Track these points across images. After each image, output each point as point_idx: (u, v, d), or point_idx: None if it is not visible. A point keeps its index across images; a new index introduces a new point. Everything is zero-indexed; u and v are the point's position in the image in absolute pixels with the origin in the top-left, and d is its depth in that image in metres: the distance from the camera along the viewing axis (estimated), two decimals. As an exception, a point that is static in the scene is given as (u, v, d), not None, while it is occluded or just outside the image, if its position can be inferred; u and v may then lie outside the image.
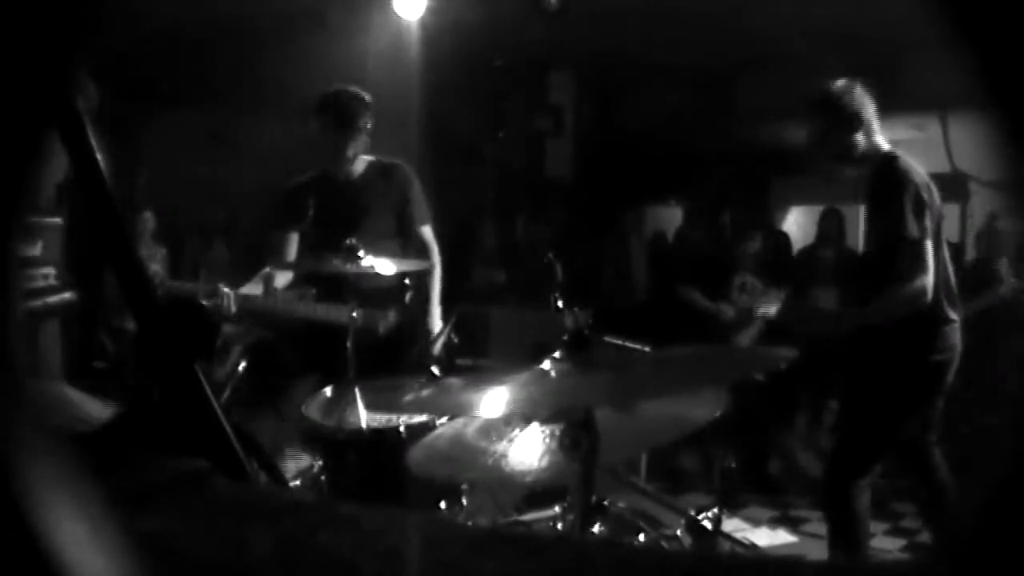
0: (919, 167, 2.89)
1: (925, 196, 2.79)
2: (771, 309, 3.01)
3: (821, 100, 2.98)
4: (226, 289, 3.00)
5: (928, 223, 2.76)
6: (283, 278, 3.28)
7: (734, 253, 5.13)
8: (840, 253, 6.40)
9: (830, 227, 6.60)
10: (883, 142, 2.96)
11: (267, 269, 3.28)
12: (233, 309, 3.00)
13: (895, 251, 2.77)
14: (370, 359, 2.68)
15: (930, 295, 2.74)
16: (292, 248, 3.36)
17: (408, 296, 3.30)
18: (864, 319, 2.93)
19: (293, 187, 3.41)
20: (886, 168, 2.86)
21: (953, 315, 2.86)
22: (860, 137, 2.91)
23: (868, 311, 2.90)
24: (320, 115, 3.27)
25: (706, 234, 6.69)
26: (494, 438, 1.69)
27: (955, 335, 2.86)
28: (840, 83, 2.97)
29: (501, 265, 7.02)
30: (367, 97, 3.30)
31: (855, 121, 2.90)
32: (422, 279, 3.34)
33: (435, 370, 2.73)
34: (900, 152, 2.94)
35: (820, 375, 6.04)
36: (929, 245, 2.75)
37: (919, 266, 2.73)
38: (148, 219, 6.06)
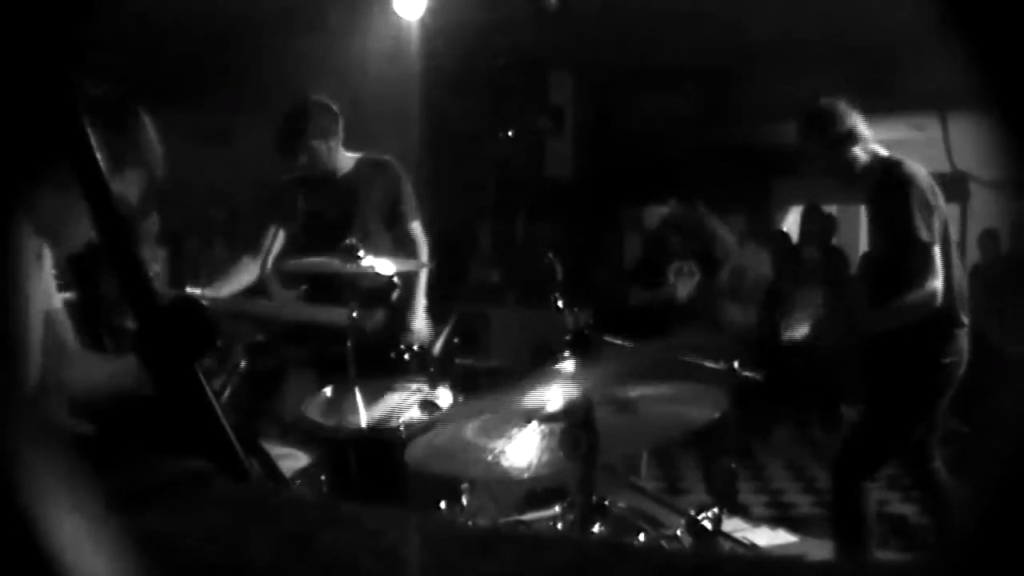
0: (922, 168, 2.87)
1: (931, 199, 2.77)
2: (799, 332, 3.04)
3: (812, 123, 2.94)
4: (196, 292, 3.01)
5: (936, 226, 2.75)
6: (253, 272, 3.28)
7: (669, 246, 5.23)
8: (825, 252, 6.40)
9: (813, 226, 6.61)
10: (880, 148, 2.94)
11: (244, 259, 3.29)
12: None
13: (905, 255, 2.75)
14: (360, 358, 2.68)
15: (940, 299, 2.72)
16: (276, 243, 3.36)
17: (395, 295, 3.30)
18: (876, 325, 2.91)
19: (284, 183, 3.42)
20: (891, 173, 2.83)
21: (963, 319, 2.86)
22: (859, 151, 2.89)
23: (880, 316, 2.88)
24: (273, 140, 3.31)
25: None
26: (493, 436, 1.69)
27: (964, 339, 2.86)
28: (825, 103, 2.93)
29: (497, 265, 7.02)
30: (317, 101, 3.31)
31: (851, 137, 2.87)
32: (408, 276, 3.35)
33: (434, 370, 2.73)
34: (902, 156, 2.92)
35: (820, 379, 6.05)
36: (937, 249, 2.74)
37: (929, 270, 2.72)
38: (154, 222, 6.08)
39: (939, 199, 2.82)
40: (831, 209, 7.69)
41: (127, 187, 1.70)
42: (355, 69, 5.31)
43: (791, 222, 8.36)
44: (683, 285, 5.02)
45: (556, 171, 8.00)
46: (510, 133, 7.46)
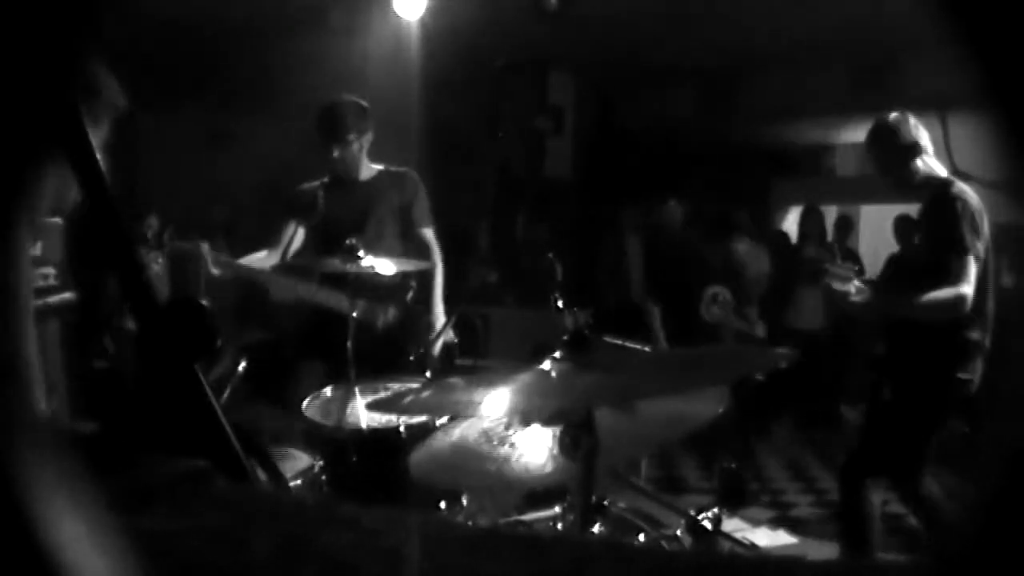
0: (975, 194, 3.01)
1: (978, 220, 2.92)
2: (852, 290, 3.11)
3: (880, 131, 3.13)
4: (204, 246, 3.05)
5: (979, 244, 2.89)
6: (270, 264, 3.30)
7: (709, 260, 5.20)
8: (824, 251, 6.42)
9: (811, 225, 6.64)
10: (941, 169, 3.12)
11: (262, 251, 3.31)
12: (213, 270, 3.03)
13: (946, 262, 2.88)
14: (370, 356, 2.69)
15: (969, 305, 2.84)
16: (296, 240, 3.38)
17: (410, 294, 3.32)
18: (905, 310, 3.04)
19: (303, 189, 3.45)
20: (946, 192, 2.99)
21: (986, 342, 2.97)
22: (919, 164, 3.07)
23: (906, 303, 3.00)
24: (317, 129, 3.34)
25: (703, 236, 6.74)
26: (496, 443, 1.68)
27: (981, 361, 2.96)
28: (896, 115, 3.13)
29: (497, 265, 7.02)
30: (361, 103, 3.35)
31: (913, 150, 3.06)
32: (425, 278, 3.37)
33: (433, 370, 2.73)
34: (957, 179, 3.11)
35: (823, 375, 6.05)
36: (973, 260, 2.87)
37: (963, 276, 2.85)
38: (152, 224, 6.09)
39: (985, 225, 2.96)
40: (845, 211, 7.70)
41: (101, 128, 1.72)
42: (355, 70, 5.31)
43: (791, 222, 8.35)
44: (714, 318, 5.04)
45: (556, 171, 8.00)
46: (510, 133, 7.46)
